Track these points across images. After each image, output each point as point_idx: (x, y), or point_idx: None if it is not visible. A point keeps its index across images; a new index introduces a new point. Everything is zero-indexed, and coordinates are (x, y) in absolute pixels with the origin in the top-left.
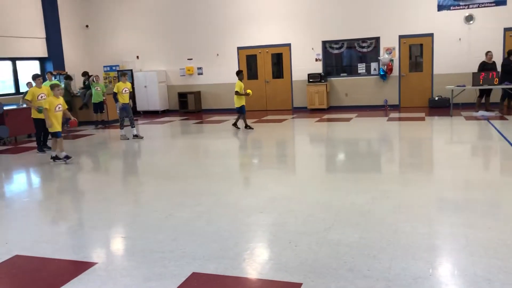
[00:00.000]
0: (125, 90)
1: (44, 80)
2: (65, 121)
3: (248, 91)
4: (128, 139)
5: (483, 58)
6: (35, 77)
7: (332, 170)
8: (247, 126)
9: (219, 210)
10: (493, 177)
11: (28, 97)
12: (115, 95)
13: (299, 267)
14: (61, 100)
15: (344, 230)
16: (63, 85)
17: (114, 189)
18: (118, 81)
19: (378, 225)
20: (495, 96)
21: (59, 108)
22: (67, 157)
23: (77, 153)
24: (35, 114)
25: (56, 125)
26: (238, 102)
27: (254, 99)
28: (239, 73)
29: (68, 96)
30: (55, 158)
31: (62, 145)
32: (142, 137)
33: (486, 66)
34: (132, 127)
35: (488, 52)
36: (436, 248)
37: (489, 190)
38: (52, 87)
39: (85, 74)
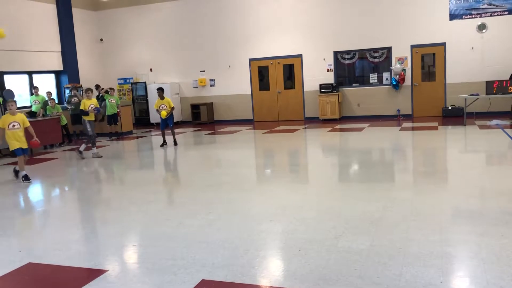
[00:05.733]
0: (91, 107)
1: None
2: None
3: (162, 112)
4: (101, 156)
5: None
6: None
7: (344, 179)
8: (164, 143)
9: (230, 218)
10: (507, 185)
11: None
12: (82, 112)
13: (308, 274)
14: (17, 117)
15: (354, 237)
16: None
17: (127, 198)
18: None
19: (389, 232)
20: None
21: (13, 126)
22: (26, 178)
23: (92, 163)
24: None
25: (14, 143)
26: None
27: (266, 109)
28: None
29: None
30: (17, 174)
31: (23, 164)
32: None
33: None
34: (85, 145)
35: None
36: (447, 256)
37: (502, 198)
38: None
39: (97, 87)
